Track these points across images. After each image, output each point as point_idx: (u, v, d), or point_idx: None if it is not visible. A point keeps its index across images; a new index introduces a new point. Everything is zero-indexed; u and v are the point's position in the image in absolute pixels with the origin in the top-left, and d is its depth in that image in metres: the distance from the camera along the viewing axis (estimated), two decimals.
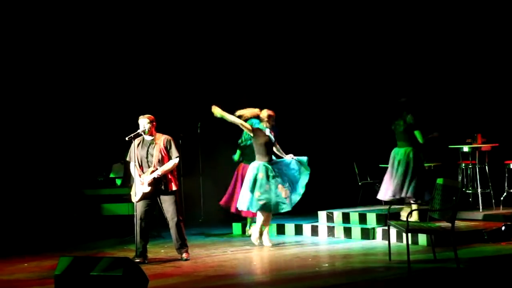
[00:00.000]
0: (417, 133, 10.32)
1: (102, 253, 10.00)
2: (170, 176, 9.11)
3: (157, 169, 9.03)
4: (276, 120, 10.28)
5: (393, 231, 9.78)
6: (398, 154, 10.45)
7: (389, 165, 10.55)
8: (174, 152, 9.13)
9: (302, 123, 12.70)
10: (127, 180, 11.94)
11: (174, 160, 9.12)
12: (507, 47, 12.66)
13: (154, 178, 9.01)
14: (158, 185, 9.07)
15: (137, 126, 9.17)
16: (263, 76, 13.46)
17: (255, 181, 9.89)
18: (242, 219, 11.46)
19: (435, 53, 13.04)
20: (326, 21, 13.41)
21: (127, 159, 9.36)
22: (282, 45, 13.48)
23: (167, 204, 9.11)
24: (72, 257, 7.40)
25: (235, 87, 13.31)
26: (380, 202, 11.94)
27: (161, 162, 9.07)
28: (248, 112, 9.96)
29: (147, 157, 9.11)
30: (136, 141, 9.17)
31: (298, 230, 11.20)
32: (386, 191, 10.48)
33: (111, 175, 12.51)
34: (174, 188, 9.10)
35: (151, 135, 9.15)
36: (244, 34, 13.28)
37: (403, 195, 10.32)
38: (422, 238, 9.62)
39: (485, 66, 12.85)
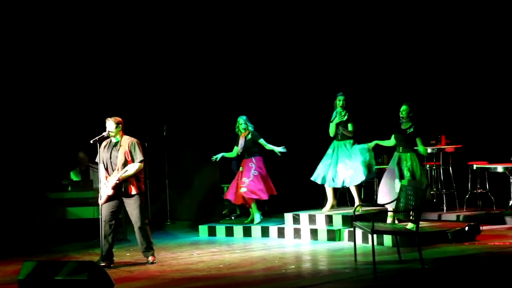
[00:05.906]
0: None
1: (67, 257, 9.89)
2: (132, 180, 8.98)
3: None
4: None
5: (358, 233, 9.82)
6: None
7: None
8: (138, 156, 8.98)
9: (271, 124, 12.73)
10: (81, 183, 11.83)
11: (136, 164, 8.95)
12: (472, 49, 12.82)
13: (116, 181, 8.93)
14: (120, 189, 8.98)
15: (103, 129, 9.07)
16: (229, 78, 13.44)
17: None
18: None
19: (401, 55, 13.14)
20: (301, 25, 13.46)
21: (96, 160, 9.28)
22: (251, 47, 13.48)
23: (131, 207, 9.02)
24: (36, 262, 7.32)
25: (202, 89, 13.27)
26: (345, 204, 11.99)
27: (125, 165, 8.95)
28: None
29: (111, 159, 9.02)
30: (104, 143, 9.09)
31: (265, 232, 11.20)
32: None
33: (72, 178, 12.37)
34: (134, 191, 8.95)
35: (118, 137, 9.06)
36: (210, 37, 13.25)
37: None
38: (387, 239, 9.69)
39: (448, 69, 13.00)
